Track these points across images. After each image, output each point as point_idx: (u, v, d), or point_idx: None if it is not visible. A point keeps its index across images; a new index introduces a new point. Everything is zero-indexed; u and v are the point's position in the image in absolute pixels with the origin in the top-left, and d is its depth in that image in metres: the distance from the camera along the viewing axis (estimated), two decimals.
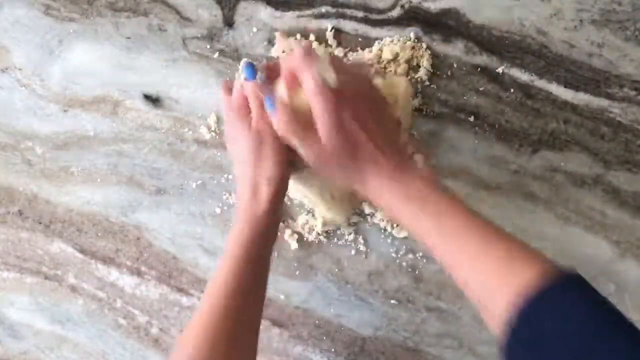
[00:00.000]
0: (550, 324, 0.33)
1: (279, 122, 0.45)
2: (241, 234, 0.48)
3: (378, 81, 0.54)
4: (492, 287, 0.37)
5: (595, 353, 0.31)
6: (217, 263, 0.61)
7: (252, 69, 0.47)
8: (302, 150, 0.45)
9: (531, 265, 0.36)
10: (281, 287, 0.60)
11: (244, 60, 0.51)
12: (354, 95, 0.45)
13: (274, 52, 0.61)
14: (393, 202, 0.44)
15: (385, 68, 0.58)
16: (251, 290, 0.49)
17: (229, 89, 0.51)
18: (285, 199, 0.60)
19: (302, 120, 0.45)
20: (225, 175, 0.62)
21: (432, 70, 0.58)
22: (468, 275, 0.40)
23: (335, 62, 0.45)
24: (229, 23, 0.63)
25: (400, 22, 0.60)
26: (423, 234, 0.43)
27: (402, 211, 0.44)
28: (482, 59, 0.58)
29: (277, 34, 0.60)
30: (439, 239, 0.42)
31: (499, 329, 0.36)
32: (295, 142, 0.45)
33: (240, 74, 0.48)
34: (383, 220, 0.59)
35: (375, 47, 0.58)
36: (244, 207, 0.49)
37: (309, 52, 0.44)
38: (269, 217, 0.49)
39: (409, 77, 0.58)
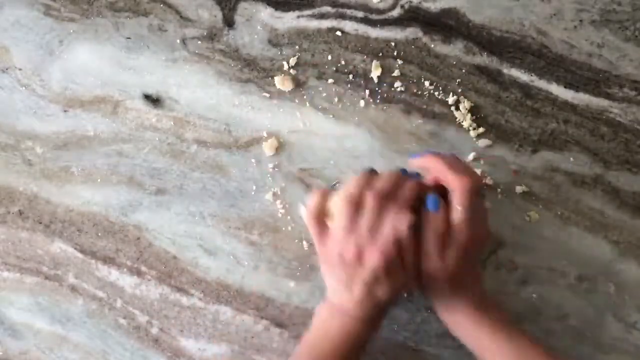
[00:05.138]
0: None
1: (433, 250, 0.47)
2: (347, 330, 0.48)
3: None
4: None
5: None
6: (217, 263, 0.61)
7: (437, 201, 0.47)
8: (427, 265, 0.47)
9: None
10: (281, 287, 0.60)
11: (431, 196, 0.48)
12: (467, 235, 0.47)
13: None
14: (468, 323, 0.49)
15: None
16: None
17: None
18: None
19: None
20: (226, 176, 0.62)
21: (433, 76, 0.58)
22: None
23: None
24: (229, 23, 0.63)
25: (400, 22, 0.60)
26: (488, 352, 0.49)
27: (474, 331, 0.49)
28: (482, 59, 0.58)
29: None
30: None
31: None
32: (433, 255, 0.47)
33: (426, 205, 0.47)
34: None
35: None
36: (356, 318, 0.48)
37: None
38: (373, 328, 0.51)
39: None
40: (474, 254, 0.48)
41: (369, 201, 0.45)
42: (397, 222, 0.45)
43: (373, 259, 0.45)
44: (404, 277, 0.47)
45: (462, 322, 0.49)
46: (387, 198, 0.45)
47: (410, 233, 0.45)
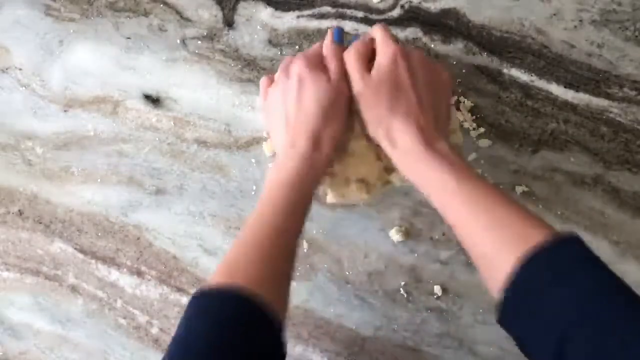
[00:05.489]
0: (543, 281, 0.35)
1: (353, 48, 0.49)
2: (298, 174, 0.47)
3: None
4: (495, 254, 0.39)
5: (591, 308, 0.33)
6: (217, 263, 0.61)
7: (342, 34, 0.53)
8: (354, 78, 0.48)
9: (534, 231, 0.38)
10: None
11: (335, 27, 0.54)
12: (421, 62, 0.48)
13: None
14: (414, 150, 0.45)
15: None
16: (301, 226, 0.48)
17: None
18: None
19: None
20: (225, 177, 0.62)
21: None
22: (475, 239, 0.41)
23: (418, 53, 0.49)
24: (229, 23, 0.63)
25: (400, 22, 0.60)
26: (437, 189, 0.44)
27: (421, 161, 0.44)
28: (482, 59, 0.58)
29: None
30: (453, 197, 0.43)
31: (498, 293, 0.38)
32: (352, 66, 0.48)
33: (328, 36, 0.52)
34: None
35: None
36: (303, 154, 0.47)
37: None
38: (324, 171, 0.49)
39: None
40: (401, 75, 0.47)
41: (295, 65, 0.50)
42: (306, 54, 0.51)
43: (294, 67, 0.50)
44: (329, 86, 0.48)
45: (403, 153, 0.46)
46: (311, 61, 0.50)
47: (333, 40, 0.51)
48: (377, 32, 0.49)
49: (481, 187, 0.42)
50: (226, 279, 0.41)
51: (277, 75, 0.52)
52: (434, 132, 0.46)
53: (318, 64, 0.50)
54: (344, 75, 0.49)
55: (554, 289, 0.35)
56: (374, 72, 0.47)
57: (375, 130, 0.48)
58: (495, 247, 0.39)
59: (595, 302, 0.33)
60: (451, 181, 0.42)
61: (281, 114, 0.50)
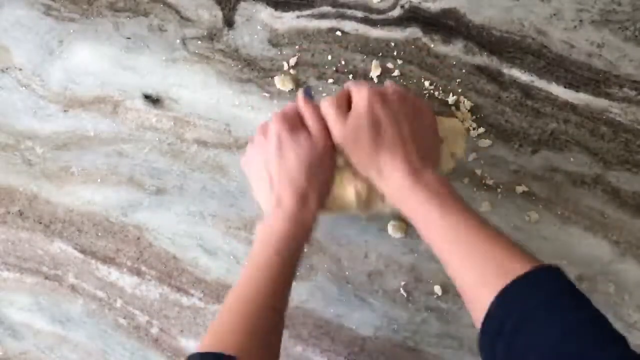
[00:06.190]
0: (519, 316, 0.35)
1: (328, 98, 0.49)
2: (286, 236, 0.47)
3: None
4: (476, 288, 0.39)
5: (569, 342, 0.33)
6: (217, 263, 0.61)
7: (311, 91, 0.55)
8: (333, 126, 0.48)
9: (515, 265, 0.38)
10: None
11: (304, 88, 0.56)
12: (396, 96, 0.48)
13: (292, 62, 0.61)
14: (404, 186, 0.45)
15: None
16: (288, 289, 0.49)
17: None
18: None
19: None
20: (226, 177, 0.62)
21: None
22: (458, 273, 0.42)
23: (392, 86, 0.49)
24: (229, 23, 0.63)
25: (400, 22, 0.60)
26: (423, 222, 0.44)
27: (409, 195, 0.45)
28: (482, 59, 0.58)
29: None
30: (436, 230, 0.43)
31: (479, 326, 0.38)
32: (330, 115, 0.48)
33: (299, 95, 0.51)
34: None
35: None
36: (290, 213, 0.48)
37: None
38: (312, 227, 0.49)
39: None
40: (379, 116, 0.47)
41: (272, 125, 0.50)
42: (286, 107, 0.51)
43: (272, 127, 0.49)
44: (310, 142, 0.48)
45: (396, 189, 0.46)
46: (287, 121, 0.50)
47: (305, 100, 0.50)
48: (348, 83, 0.50)
49: (464, 219, 0.43)
50: (211, 347, 0.43)
51: (255, 137, 0.52)
52: (420, 161, 0.46)
53: (296, 123, 0.50)
54: (324, 127, 0.49)
55: (531, 324, 0.34)
56: (351, 117, 0.47)
57: (367, 172, 0.48)
58: (477, 281, 0.39)
59: (570, 341, 0.33)
60: (435, 213, 0.43)
61: (263, 175, 0.50)
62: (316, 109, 0.50)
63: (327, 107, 0.49)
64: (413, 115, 0.48)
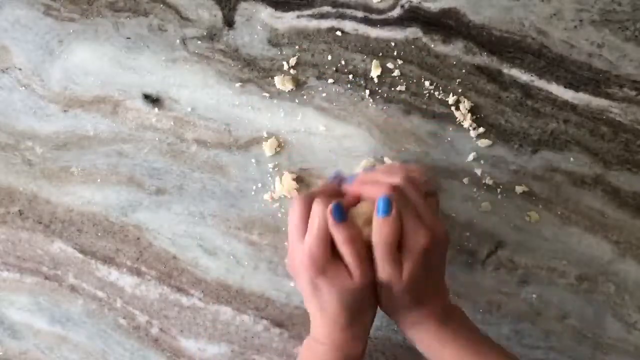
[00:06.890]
0: None
1: (382, 230, 0.42)
2: None
3: None
4: None
5: None
6: (216, 263, 0.61)
7: (341, 177, 0.48)
8: (385, 273, 0.43)
9: None
10: (281, 287, 0.60)
11: (335, 174, 0.49)
12: (445, 237, 0.45)
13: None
14: (430, 332, 0.46)
15: None
16: None
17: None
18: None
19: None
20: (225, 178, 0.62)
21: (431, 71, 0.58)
22: None
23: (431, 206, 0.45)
24: (229, 23, 0.63)
25: (400, 22, 0.60)
26: (428, 354, 0.47)
27: (414, 328, 0.47)
28: (482, 59, 0.58)
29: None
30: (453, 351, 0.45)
31: None
32: (386, 263, 0.42)
33: (330, 208, 0.43)
34: None
35: None
36: (337, 347, 0.46)
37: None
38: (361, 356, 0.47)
39: None
40: (432, 260, 0.43)
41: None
42: (315, 216, 0.43)
43: (300, 261, 0.43)
44: (351, 283, 0.42)
45: (425, 339, 0.46)
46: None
47: (336, 222, 0.42)
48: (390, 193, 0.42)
49: (464, 350, 0.45)
50: None
51: (292, 235, 0.45)
52: (425, 293, 0.45)
53: (327, 259, 0.42)
54: (364, 258, 0.42)
55: None
56: (407, 269, 0.42)
57: (393, 313, 0.47)
58: None
59: None
60: (437, 344, 0.45)
61: (307, 289, 0.45)
62: (352, 235, 0.42)
63: (381, 244, 0.41)
64: (437, 246, 0.44)
